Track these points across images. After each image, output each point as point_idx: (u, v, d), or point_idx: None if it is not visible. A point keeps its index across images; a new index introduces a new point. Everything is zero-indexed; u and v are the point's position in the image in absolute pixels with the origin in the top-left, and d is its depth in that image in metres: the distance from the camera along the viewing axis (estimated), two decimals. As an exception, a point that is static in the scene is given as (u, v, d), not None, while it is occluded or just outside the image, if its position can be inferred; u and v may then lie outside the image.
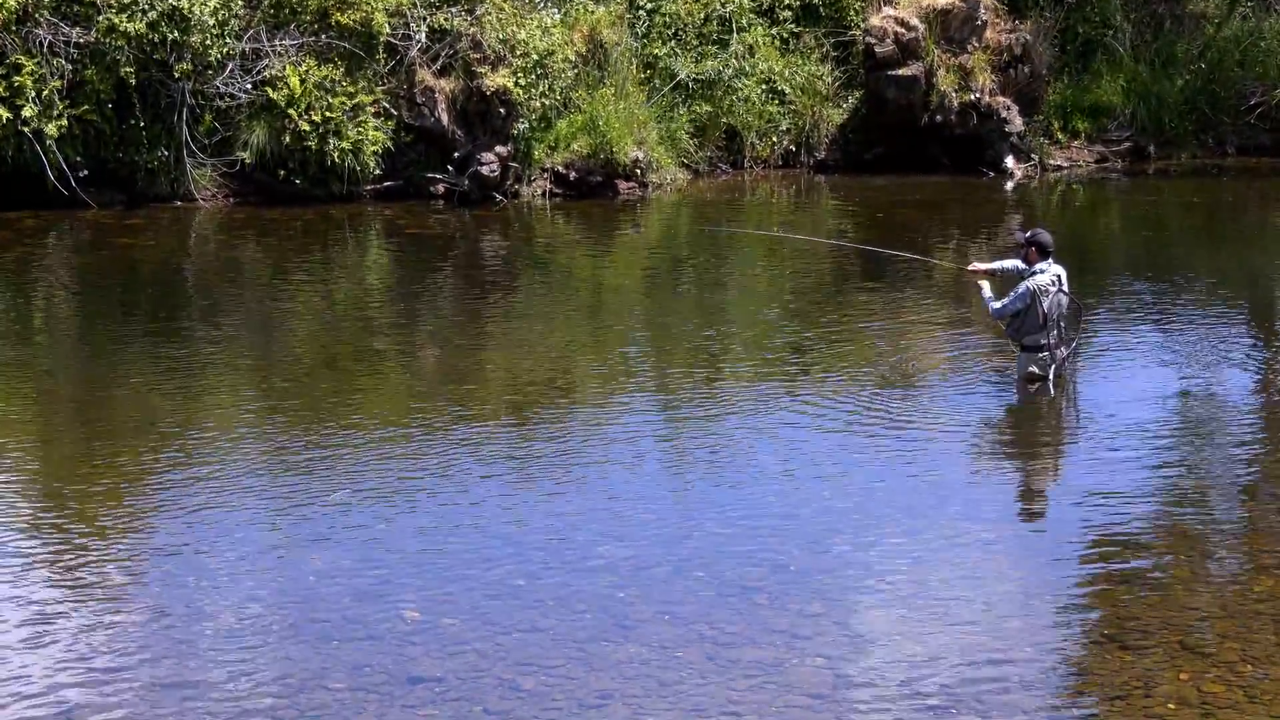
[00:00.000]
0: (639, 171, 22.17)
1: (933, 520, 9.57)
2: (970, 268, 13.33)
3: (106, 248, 18.71)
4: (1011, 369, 12.69)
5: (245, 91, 20.40)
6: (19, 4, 19.24)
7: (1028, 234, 12.51)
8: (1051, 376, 12.26)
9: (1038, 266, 12.26)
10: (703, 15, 23.76)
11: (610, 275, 18.50)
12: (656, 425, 11.81)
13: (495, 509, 9.74)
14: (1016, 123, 24.37)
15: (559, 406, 12.19)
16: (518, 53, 21.22)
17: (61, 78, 19.44)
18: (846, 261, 18.58)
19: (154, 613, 8.17)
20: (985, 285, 12.67)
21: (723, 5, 23.94)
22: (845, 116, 24.79)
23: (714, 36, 23.81)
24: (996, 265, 13.04)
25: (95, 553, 8.96)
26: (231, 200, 20.89)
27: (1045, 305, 12.15)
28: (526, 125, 21.49)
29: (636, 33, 23.29)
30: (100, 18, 19.48)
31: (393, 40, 20.97)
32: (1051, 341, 12.22)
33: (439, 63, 21.26)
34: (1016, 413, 12.27)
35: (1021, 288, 12.22)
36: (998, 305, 12.39)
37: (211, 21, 19.95)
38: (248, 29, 20.60)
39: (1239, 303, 16.42)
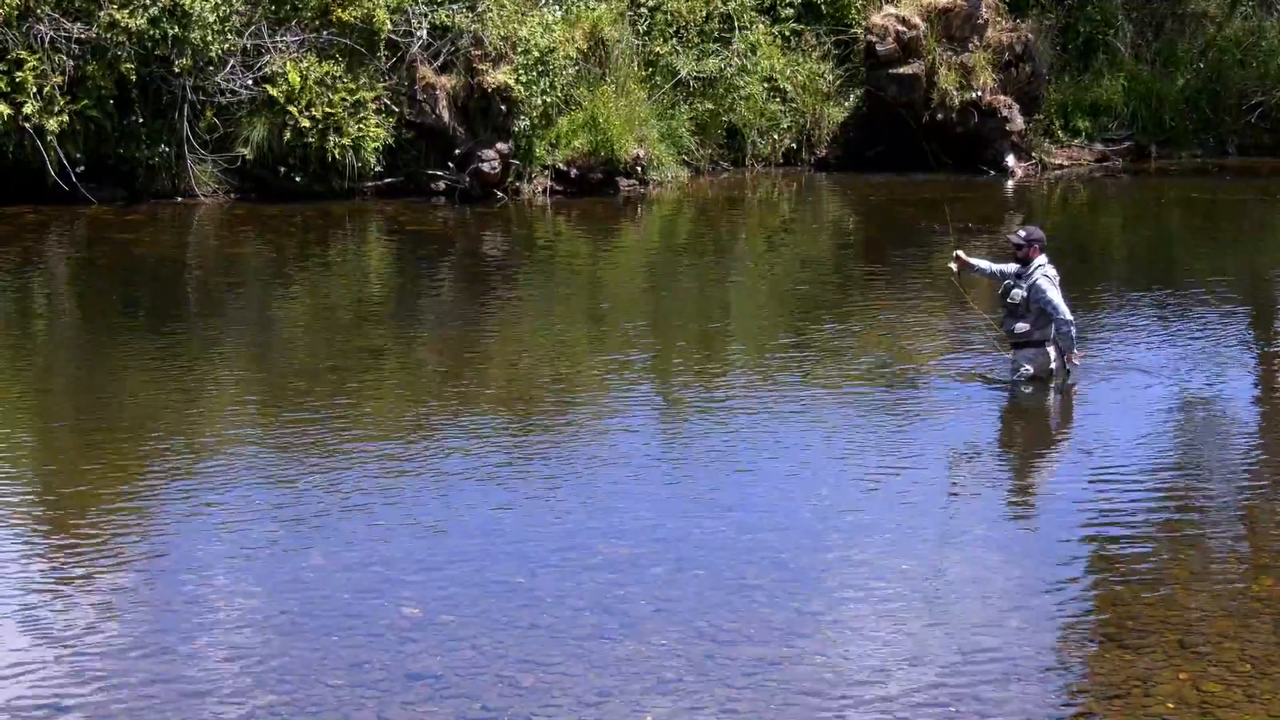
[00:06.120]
0: (640, 169, 22.17)
1: (932, 519, 9.57)
2: (958, 253, 13.06)
3: (107, 243, 18.71)
4: (1008, 368, 12.67)
5: (246, 88, 20.41)
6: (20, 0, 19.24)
7: (1024, 233, 12.44)
8: (1072, 367, 12.29)
9: (1039, 259, 12.22)
10: (704, 13, 23.75)
11: (611, 273, 18.49)
12: (656, 423, 11.81)
13: (495, 506, 9.74)
14: (1017, 121, 24.37)
15: (559, 404, 12.19)
16: (519, 50, 21.22)
17: (63, 73, 19.45)
18: (848, 259, 18.58)
19: (152, 609, 8.16)
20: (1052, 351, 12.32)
21: (724, 3, 23.94)
22: (846, 115, 24.80)
23: (715, 34, 23.82)
24: (984, 265, 12.91)
25: (92, 548, 8.96)
26: (232, 196, 20.90)
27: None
28: (527, 122, 21.48)
29: (638, 30, 23.28)
30: (101, 13, 19.49)
31: (394, 37, 20.98)
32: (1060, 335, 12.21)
33: (440, 59, 21.25)
34: (1017, 413, 12.26)
35: (1043, 282, 12.13)
36: (1064, 315, 12.04)
37: (212, 18, 19.95)
38: (249, 25, 20.60)
39: (1239, 305, 16.38)
